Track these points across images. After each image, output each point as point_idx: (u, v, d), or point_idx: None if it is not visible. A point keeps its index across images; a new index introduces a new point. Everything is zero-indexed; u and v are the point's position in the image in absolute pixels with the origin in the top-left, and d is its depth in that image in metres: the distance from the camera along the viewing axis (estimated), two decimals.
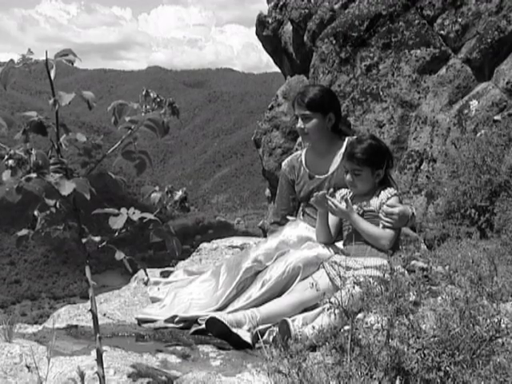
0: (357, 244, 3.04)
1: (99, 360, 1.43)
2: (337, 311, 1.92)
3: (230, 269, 3.26)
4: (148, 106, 1.38)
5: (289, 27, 6.99)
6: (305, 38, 6.50)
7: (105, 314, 3.37)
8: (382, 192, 3.12)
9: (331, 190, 3.20)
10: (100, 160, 1.37)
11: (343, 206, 3.07)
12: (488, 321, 1.75)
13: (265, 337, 2.83)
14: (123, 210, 1.40)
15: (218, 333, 2.84)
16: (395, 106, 5.74)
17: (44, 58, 1.35)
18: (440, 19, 5.65)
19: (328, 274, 2.96)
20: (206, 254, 4.38)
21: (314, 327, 2.19)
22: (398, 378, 1.70)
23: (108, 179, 1.42)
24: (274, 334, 2.79)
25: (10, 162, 1.23)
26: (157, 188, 1.42)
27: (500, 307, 1.81)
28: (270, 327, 2.89)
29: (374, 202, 3.11)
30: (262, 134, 7.09)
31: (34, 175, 1.25)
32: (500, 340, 1.75)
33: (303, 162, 3.56)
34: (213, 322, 2.85)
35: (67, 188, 1.26)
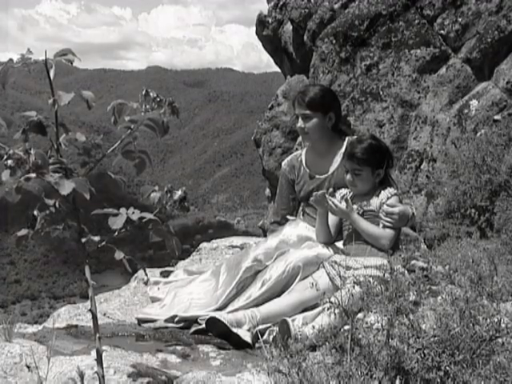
0: (357, 244, 3.04)
1: (99, 360, 1.43)
2: (337, 311, 1.92)
3: (230, 268, 3.26)
4: (148, 106, 1.38)
5: (289, 27, 6.99)
6: (305, 37, 6.49)
7: (105, 314, 3.37)
8: (382, 192, 3.12)
9: (331, 189, 3.20)
10: (100, 160, 1.37)
11: (343, 205, 3.07)
12: (488, 321, 1.75)
13: (265, 336, 2.83)
14: (122, 210, 1.40)
15: (218, 333, 2.84)
16: (395, 105, 5.74)
17: (41, 58, 1.35)
18: (440, 19, 5.64)
19: (328, 274, 2.96)
20: (206, 253, 4.38)
21: (313, 327, 2.18)
22: (397, 377, 1.70)
23: (108, 179, 1.42)
24: (274, 334, 2.78)
25: (9, 161, 1.23)
26: (156, 188, 1.42)
27: (500, 307, 1.81)
28: (269, 327, 2.89)
29: (374, 202, 3.11)
30: (262, 134, 7.09)
31: (33, 175, 1.24)
32: (500, 340, 1.75)
33: (303, 161, 3.56)
34: (213, 322, 2.85)
35: (67, 188, 1.26)
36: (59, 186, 1.26)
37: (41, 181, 1.28)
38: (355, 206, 3.10)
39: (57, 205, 1.35)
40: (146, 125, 1.37)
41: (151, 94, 1.39)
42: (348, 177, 3.16)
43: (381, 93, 5.81)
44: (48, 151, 1.33)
